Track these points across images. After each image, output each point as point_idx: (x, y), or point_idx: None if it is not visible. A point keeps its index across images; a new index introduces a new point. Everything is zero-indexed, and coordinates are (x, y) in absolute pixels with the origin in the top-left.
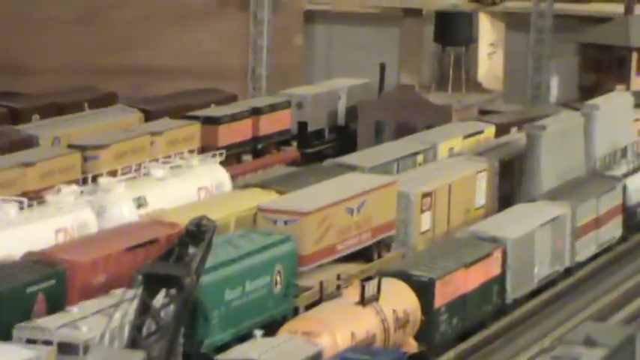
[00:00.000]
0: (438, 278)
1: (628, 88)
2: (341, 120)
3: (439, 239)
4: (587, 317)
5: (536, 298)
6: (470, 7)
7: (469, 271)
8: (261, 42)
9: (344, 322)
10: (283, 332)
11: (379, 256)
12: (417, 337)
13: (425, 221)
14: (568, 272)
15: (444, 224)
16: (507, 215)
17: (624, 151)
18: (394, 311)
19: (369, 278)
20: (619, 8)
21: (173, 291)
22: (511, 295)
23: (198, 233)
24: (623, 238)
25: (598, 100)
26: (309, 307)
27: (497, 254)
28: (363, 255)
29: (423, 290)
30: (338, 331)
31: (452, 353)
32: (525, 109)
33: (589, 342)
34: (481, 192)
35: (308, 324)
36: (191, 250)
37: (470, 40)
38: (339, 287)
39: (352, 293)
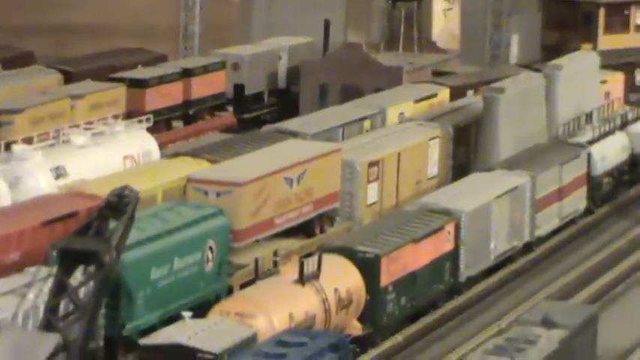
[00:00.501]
0: (385, 254)
1: (595, 47)
2: (282, 82)
3: (387, 212)
4: (548, 296)
5: (493, 276)
6: None
7: (419, 247)
8: None
9: (281, 303)
10: (214, 313)
11: (322, 231)
12: (361, 319)
13: (372, 193)
14: (528, 248)
15: (392, 196)
16: (461, 186)
17: (589, 116)
18: (336, 290)
19: (309, 255)
20: None
21: (92, 268)
22: (465, 272)
23: (119, 205)
24: (588, 211)
25: (561, 61)
26: (244, 287)
27: (450, 228)
28: (304, 229)
29: (368, 267)
30: (274, 312)
31: (400, 336)
32: (483, 71)
33: (547, 322)
34: (433, 161)
35: (241, 304)
36: (112, 224)
37: None
38: (276, 264)
39: (290, 271)
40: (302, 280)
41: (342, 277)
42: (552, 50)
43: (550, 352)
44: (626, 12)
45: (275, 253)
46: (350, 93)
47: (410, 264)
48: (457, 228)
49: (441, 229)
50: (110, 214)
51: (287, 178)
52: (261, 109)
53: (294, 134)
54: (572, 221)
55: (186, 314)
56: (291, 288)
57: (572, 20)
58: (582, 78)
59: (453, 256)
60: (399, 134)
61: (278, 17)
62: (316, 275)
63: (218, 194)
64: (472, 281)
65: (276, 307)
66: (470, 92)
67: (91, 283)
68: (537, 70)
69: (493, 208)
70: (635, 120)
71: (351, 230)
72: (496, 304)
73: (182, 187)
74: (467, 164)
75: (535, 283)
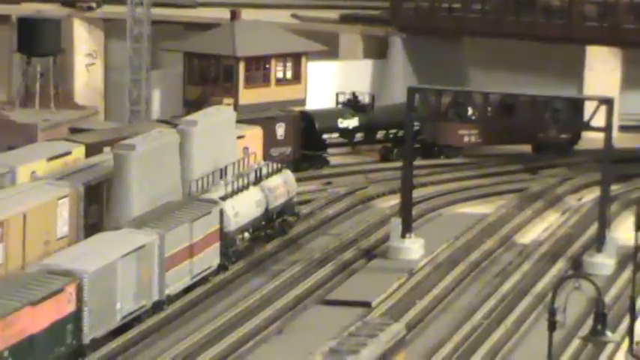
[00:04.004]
0: None
1: (236, 102)
2: None
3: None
4: (176, 357)
5: (120, 337)
6: (62, 13)
7: (37, 310)
8: None
9: None
10: None
11: None
12: None
13: None
14: (158, 307)
15: (18, 258)
16: (86, 246)
17: (224, 172)
18: None
19: None
20: (226, 14)
21: None
22: (89, 334)
23: None
24: (223, 268)
25: (196, 116)
26: None
27: (71, 289)
28: None
29: None
30: None
31: None
32: (122, 127)
33: None
34: (63, 220)
35: None
36: None
37: (57, 50)
38: None
39: None
40: None
41: None
42: (195, 105)
43: None
44: (267, 66)
45: None
46: None
47: (27, 328)
48: (79, 289)
49: (61, 290)
50: None
51: None
52: None
53: None
54: (206, 278)
55: None
56: None
57: (214, 75)
58: (218, 133)
59: (76, 317)
60: (26, 194)
61: None
62: None
63: None
64: (98, 343)
65: None
66: (107, 149)
67: None
68: (176, 126)
69: (118, 267)
70: (270, 175)
71: None
72: None
73: None
74: (101, 223)
75: (164, 342)
